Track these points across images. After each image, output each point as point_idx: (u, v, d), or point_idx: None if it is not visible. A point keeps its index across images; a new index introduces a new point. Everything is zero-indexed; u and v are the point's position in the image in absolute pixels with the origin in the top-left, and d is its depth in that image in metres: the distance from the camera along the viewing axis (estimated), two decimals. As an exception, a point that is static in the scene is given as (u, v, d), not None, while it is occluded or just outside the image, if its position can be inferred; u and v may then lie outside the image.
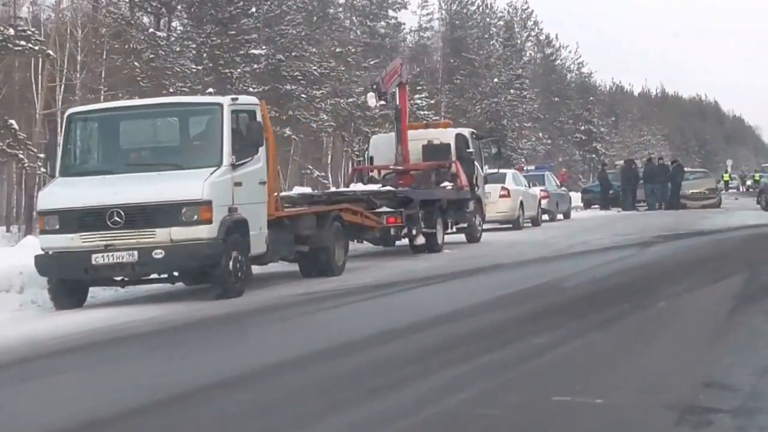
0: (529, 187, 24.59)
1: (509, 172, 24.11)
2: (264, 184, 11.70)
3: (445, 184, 17.83)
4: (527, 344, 7.17)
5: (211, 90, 32.03)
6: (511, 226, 23.13)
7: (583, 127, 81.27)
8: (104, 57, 33.17)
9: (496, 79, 54.83)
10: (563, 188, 29.45)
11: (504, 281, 11.99)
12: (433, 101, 48.06)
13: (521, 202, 23.15)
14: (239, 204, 11.10)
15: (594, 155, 79.68)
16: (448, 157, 18.57)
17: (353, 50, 40.00)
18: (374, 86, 17.67)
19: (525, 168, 29.57)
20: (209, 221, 10.70)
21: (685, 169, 36.41)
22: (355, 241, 16.52)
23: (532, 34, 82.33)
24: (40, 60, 29.61)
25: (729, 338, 7.30)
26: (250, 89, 33.18)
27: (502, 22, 75.60)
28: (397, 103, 18.68)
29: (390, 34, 56.50)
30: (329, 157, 41.71)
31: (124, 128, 11.70)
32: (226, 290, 11.04)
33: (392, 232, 15.81)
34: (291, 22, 35.32)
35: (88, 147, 11.69)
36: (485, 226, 23.84)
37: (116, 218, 10.70)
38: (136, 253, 10.71)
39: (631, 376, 5.97)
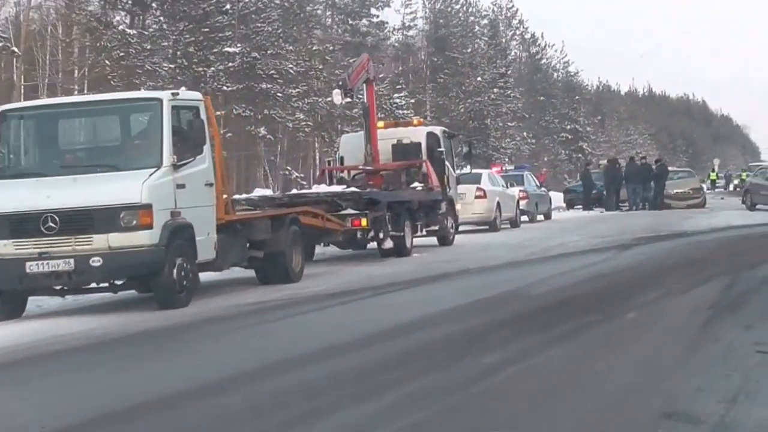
0: (507, 187, 23.89)
1: (485, 172, 23.43)
2: (211, 186, 10.96)
3: (415, 184, 17.13)
4: (476, 363, 6.46)
5: (184, 89, 31.33)
6: (487, 227, 22.45)
7: (568, 127, 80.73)
8: (76, 56, 32.47)
9: (479, 78, 54.13)
10: (543, 188, 28.78)
11: (468, 288, 11.27)
12: (413, 100, 47.33)
13: (498, 203, 22.47)
14: (183, 207, 10.36)
15: (580, 155, 79.08)
16: (419, 156, 17.88)
17: (332, 48, 39.21)
18: (340, 83, 16.93)
19: (504, 168, 28.88)
20: (149, 226, 9.96)
21: (669, 168, 35.80)
22: (322, 244, 15.84)
23: (517, 33, 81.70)
24: (19, 60, 29.02)
25: (699, 357, 6.60)
26: (224, 88, 32.48)
27: (486, 21, 75.05)
28: (365, 100, 17.97)
29: (372, 32, 55.80)
30: (312, 157, 40.90)
31: (60, 127, 10.94)
32: (170, 300, 10.31)
33: (359, 235, 15.09)
34: (267, 19, 34.54)
35: (23, 147, 10.92)
36: (462, 228, 23.24)
37: (50, 224, 9.95)
38: (72, 261, 9.97)
39: (582, 404, 5.26)
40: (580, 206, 33.60)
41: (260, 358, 7.25)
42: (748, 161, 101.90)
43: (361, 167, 17.61)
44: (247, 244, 11.89)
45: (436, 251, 17.23)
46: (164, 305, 10.31)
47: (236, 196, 14.87)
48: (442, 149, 18.18)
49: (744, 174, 47.12)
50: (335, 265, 15.02)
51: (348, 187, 16.92)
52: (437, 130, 18.88)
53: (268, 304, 10.55)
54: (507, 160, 54.24)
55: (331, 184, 17.80)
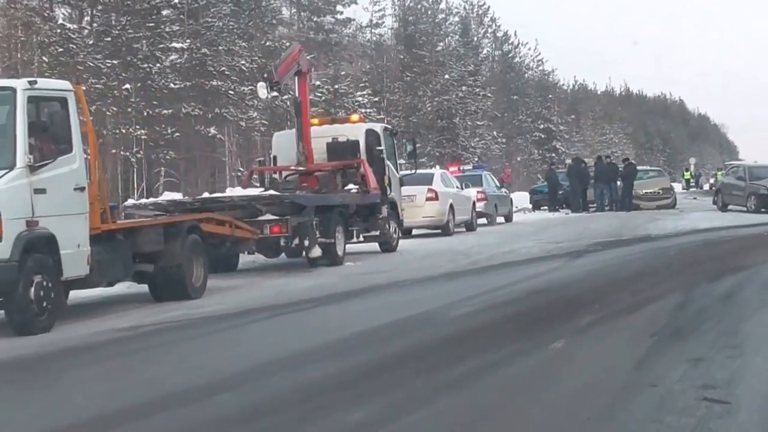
0: (462, 188, 22.39)
1: (438, 173, 21.92)
2: (82, 191, 9.38)
3: (350, 186, 15.60)
4: (335, 420, 4.95)
5: (127, 86, 29.72)
6: (440, 231, 20.97)
7: (542, 126, 79.43)
8: (16, 52, 30.77)
9: (447, 76, 52.62)
10: (504, 189, 27.28)
11: (381, 308, 9.77)
12: (377, 98, 45.81)
13: (451, 206, 20.96)
14: (43, 216, 8.80)
15: (554, 154, 77.75)
16: (357, 155, 16.36)
17: (288, 44, 37.52)
18: (265, 75, 15.37)
19: (462, 168, 27.40)
20: (-2, 238, 8.41)
21: (639, 167, 34.45)
22: (246, 252, 14.29)
23: (489, 31, 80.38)
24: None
25: (625, 412, 5.10)
26: (171, 85, 30.87)
27: (457, 18, 73.69)
28: (297, 94, 16.44)
29: (335, 29, 54.28)
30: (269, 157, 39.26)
31: None
32: (27, 324, 8.76)
33: (282, 242, 13.53)
34: (217, 14, 32.92)
35: None
36: (415, 232, 21.75)
37: None
38: None
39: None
40: (547, 207, 32.24)
41: (114, 401, 5.77)
42: (725, 160, 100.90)
43: (293, 168, 16.09)
44: (134, 257, 10.31)
45: (373, 259, 15.70)
46: (20, 330, 8.76)
47: (143, 200, 13.31)
48: (381, 147, 16.65)
49: (719, 173, 45.88)
50: (254, 276, 13.47)
51: (279, 189, 15.43)
52: (377, 126, 17.34)
53: (147, 328, 8.99)
54: (476, 159, 52.83)
55: (263, 186, 16.29)
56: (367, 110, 40.55)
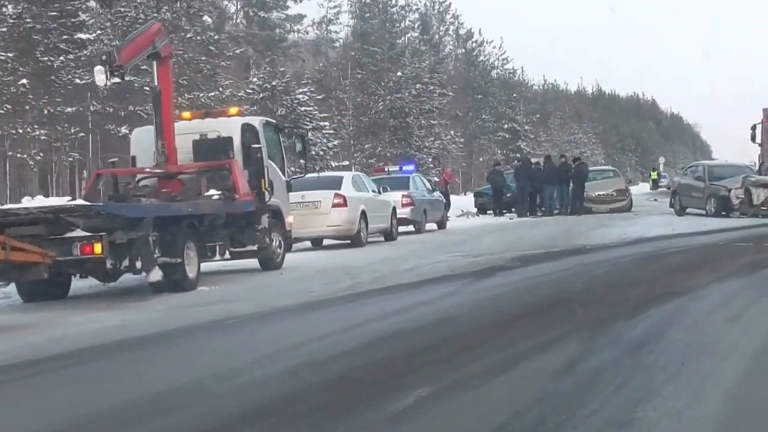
0: (380, 192, 19.69)
1: (347, 175, 19.20)
2: None
3: (211, 192, 12.85)
4: None
5: (24, 81, 26.85)
6: (350, 242, 18.30)
7: (506, 125, 77.03)
8: None
9: (399, 73, 49.94)
10: (437, 192, 24.49)
11: (169, 362, 7.07)
12: (321, 96, 43.11)
13: (363, 212, 18.28)
14: None
15: (518, 154, 75.32)
16: (229, 154, 13.63)
17: (216, 37, 34.75)
18: (104, 57, 12.59)
19: (387, 170, 24.60)
20: None
21: (592, 167, 32.00)
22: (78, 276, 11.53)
23: (452, 28, 77.88)
24: None
25: None
26: (77, 81, 28.02)
27: (417, 15, 71.22)
28: (156, 83, 13.67)
29: (282, 24, 51.56)
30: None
31: None
32: None
33: (108, 264, 10.74)
34: (131, 2, 30.09)
35: None
36: (326, 243, 19.10)
37: None
38: None
39: None
40: (494, 211, 29.66)
41: None
42: (698, 159, 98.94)
43: (148, 170, 13.34)
44: None
45: (241, 281, 12.96)
46: None
47: None
48: (260, 145, 13.91)
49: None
50: (64, 309, 10.66)
51: (130, 197, 12.70)
52: (256, 121, 14.54)
53: None
54: (431, 160, 50.26)
55: (116, 192, 13.54)
56: (307, 108, 37.86)
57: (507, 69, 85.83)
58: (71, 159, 27.31)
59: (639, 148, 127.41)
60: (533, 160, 29.54)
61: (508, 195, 29.21)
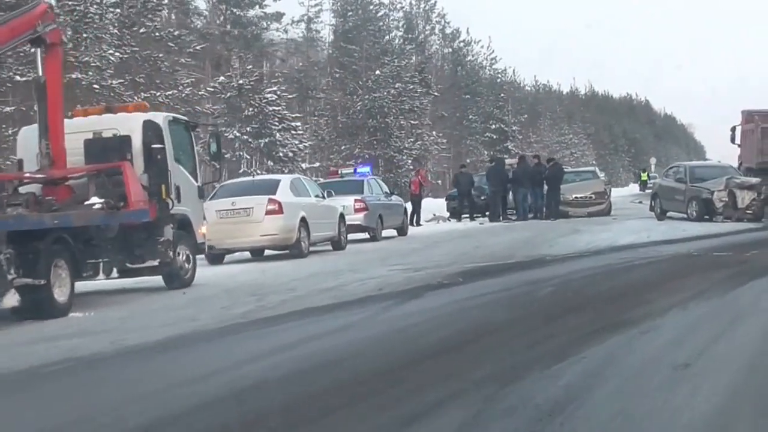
0: (324, 197, 17.87)
1: (285, 179, 17.33)
2: None
3: (93, 200, 11.03)
4: None
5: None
6: (288, 252, 16.50)
7: (494, 126, 75.18)
8: None
9: (378, 71, 48.05)
10: (395, 196, 22.60)
11: None
12: (293, 96, 41.28)
13: (304, 220, 16.45)
14: None
15: (506, 156, 73.56)
16: (126, 155, 11.82)
17: (176, 33, 32.85)
18: (-32, 41, 10.77)
19: (340, 173, 22.74)
20: None
21: (569, 169, 30.25)
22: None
23: (438, 27, 75.94)
24: None
25: None
26: (17, 78, 26.14)
27: (401, 14, 69.37)
28: (41, 73, 11.83)
29: (259, 23, 49.66)
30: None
31: None
32: None
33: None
34: (81, -3, 28.26)
35: None
36: (268, 254, 17.31)
37: None
38: None
39: None
40: (468, 215, 27.85)
41: None
42: (692, 160, 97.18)
43: (27, 175, 11.53)
44: None
45: (126, 304, 11.11)
46: None
47: None
48: (162, 146, 12.08)
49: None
50: None
51: (4, 207, 10.85)
52: (160, 117, 12.65)
53: None
54: (410, 162, 48.44)
55: (-2, 200, 11.70)
56: (276, 108, 36.04)
57: (496, 69, 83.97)
58: (9, 162, 25.41)
59: (632, 148, 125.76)
60: (507, 161, 27.71)
61: (482, 198, 27.40)
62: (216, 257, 16.25)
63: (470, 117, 74.34)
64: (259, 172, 29.37)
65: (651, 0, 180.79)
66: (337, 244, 17.90)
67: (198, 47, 33.10)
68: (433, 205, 31.12)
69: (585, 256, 14.43)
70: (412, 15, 70.81)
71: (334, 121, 47.03)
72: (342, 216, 18.14)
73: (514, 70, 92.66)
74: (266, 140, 35.12)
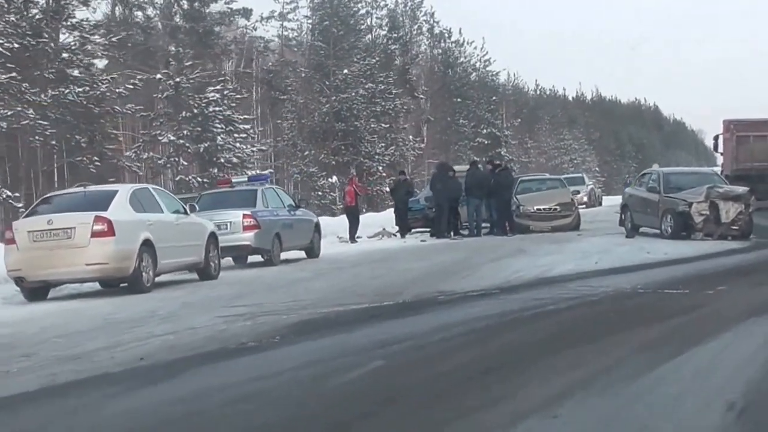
0: (188, 212, 14.16)
1: (123, 190, 13.43)
2: None
3: None
4: None
5: None
6: (127, 286, 12.84)
7: (485, 131, 71.41)
8: None
9: (345, 71, 44.31)
10: (302, 210, 18.78)
11: None
12: (241, 97, 37.65)
13: (147, 243, 12.75)
14: None
15: (499, 162, 69.68)
16: None
17: (93, 24, 29.15)
18: None
19: (232, 182, 18.86)
20: None
21: (533, 176, 26.60)
22: None
23: (425, 26, 72.08)
24: None
25: None
26: None
27: (384, 11, 65.66)
28: None
29: (220, 20, 45.99)
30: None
31: None
32: None
33: None
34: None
35: None
36: (82, 288, 13.69)
37: None
38: None
39: None
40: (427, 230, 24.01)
41: None
42: (702, 167, 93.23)
43: None
44: None
45: None
46: None
47: None
48: None
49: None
50: None
51: None
52: None
53: None
54: (380, 168, 44.74)
55: None
56: (217, 109, 32.39)
57: (490, 71, 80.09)
58: None
59: (639, 154, 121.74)
60: (457, 168, 24.02)
61: (432, 209, 23.64)
62: (35, 292, 12.63)
63: (460, 121, 70.64)
64: (113, 180, 25.62)
65: (664, 5, 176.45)
66: (205, 273, 14.21)
67: (114, 39, 29.29)
68: (384, 220, 27.26)
69: (491, 294, 10.77)
70: (397, 13, 67.16)
71: (298, 124, 43.38)
72: (214, 236, 14.45)
73: (515, 74, 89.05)
74: (206, 144, 31.47)
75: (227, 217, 15.84)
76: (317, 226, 18.39)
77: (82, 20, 27.66)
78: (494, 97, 73.85)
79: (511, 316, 9.01)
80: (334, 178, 41.44)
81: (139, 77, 30.32)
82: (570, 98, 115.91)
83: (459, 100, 70.76)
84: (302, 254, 18.18)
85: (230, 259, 17.06)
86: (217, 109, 31.73)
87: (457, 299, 10.53)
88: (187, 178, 31.05)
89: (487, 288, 11.34)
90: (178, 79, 31.34)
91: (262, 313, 9.95)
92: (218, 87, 33.14)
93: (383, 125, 45.04)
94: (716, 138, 26.89)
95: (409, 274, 13.79)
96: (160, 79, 31.62)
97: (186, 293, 12.86)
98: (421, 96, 64.58)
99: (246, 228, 15.92)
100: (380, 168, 44.36)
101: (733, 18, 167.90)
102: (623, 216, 20.83)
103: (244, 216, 15.99)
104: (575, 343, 7.40)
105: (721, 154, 26.06)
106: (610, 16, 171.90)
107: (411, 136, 50.61)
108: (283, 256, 17.57)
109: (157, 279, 13.36)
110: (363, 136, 44.50)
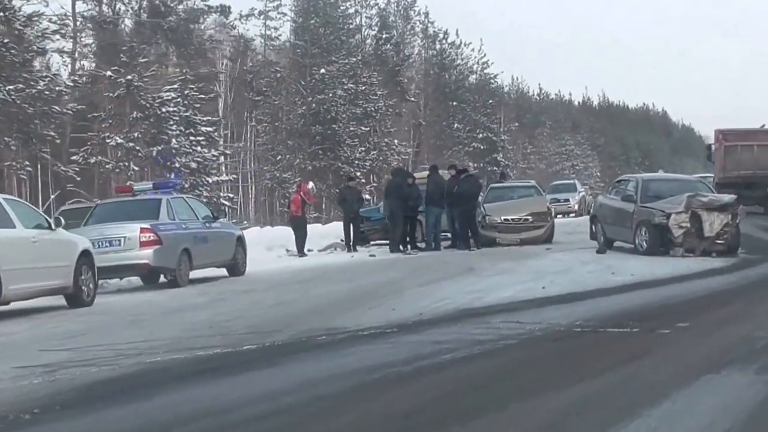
0: (52, 227, 11.79)
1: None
2: None
3: None
4: None
5: None
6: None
7: (481, 135, 68.94)
8: None
9: (323, 70, 41.90)
10: (220, 221, 16.39)
11: None
12: (207, 96, 35.28)
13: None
14: None
15: (495, 167, 67.22)
16: None
17: (25, 15, 26.68)
18: None
19: (134, 190, 16.25)
20: None
21: (507, 184, 24.20)
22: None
23: (419, 27, 69.67)
24: None
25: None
26: None
27: (374, 11, 63.35)
28: None
29: (192, 17, 43.71)
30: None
31: None
32: None
33: None
34: None
35: None
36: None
37: None
38: None
39: None
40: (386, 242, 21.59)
41: None
42: (709, 173, 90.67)
43: None
44: None
45: None
46: None
47: None
48: None
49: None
50: None
51: None
52: None
53: None
54: (358, 174, 42.32)
55: None
56: (170, 109, 30.06)
57: (487, 74, 77.54)
58: None
59: (646, 160, 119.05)
60: (417, 174, 21.62)
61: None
62: None
63: (455, 125, 68.25)
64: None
65: (671, 8, 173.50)
66: (75, 299, 11.84)
67: (56, 37, 27.02)
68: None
69: (384, 335, 8.44)
70: (388, 12, 64.81)
71: (273, 127, 41.04)
72: (87, 255, 12.08)
73: (518, 78, 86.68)
74: (159, 148, 29.14)
75: (121, 232, 13.51)
76: (240, 239, 15.97)
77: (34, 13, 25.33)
78: (491, 101, 71.39)
79: (380, 373, 6.65)
80: (311, 185, 39.07)
81: (82, 74, 27.98)
82: (576, 103, 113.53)
83: (455, 103, 68.39)
84: (224, 272, 15.79)
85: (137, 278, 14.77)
86: (171, 109, 29.36)
87: (338, 342, 8.19)
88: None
89: (388, 324, 8.97)
90: (129, 77, 29.00)
91: (77, 362, 7.64)
92: (175, 86, 30.74)
93: (362, 128, 42.59)
94: (709, 147, 27.99)
95: (317, 301, 11.46)
96: (110, 76, 29.31)
97: (32, 325, 10.51)
98: (413, 99, 62.32)
99: (144, 244, 13.56)
100: (358, 174, 41.94)
101: (744, 22, 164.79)
102: (593, 228, 18.39)
103: (142, 230, 13.64)
104: (443, 422, 5.07)
105: (714, 163, 26.72)
106: (621, 21, 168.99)
107: (396, 141, 48.10)
108: (199, 274, 15.23)
109: (6, 307, 11.03)
110: (343, 139, 42.14)
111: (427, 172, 21.14)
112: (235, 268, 15.67)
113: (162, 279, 14.39)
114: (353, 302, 11.12)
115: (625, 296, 11.01)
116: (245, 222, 32.00)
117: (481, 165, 65.93)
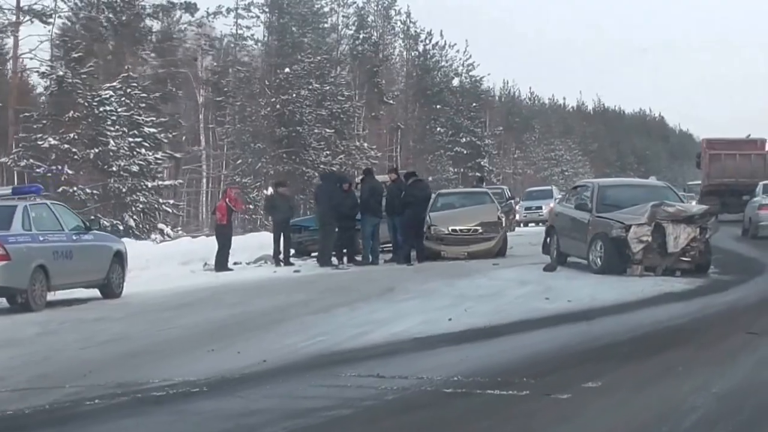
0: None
1: None
2: None
3: None
4: None
5: None
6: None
7: (464, 139, 66.59)
8: None
9: (288, 69, 39.57)
10: (93, 234, 13.81)
11: None
12: (162, 94, 32.96)
13: None
14: None
15: (478, 173, 64.76)
16: None
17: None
18: None
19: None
20: None
21: (455, 190, 21.88)
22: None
23: (399, 27, 67.23)
24: None
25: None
26: None
27: (352, 10, 60.93)
28: None
29: (155, 13, 41.36)
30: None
31: None
32: None
33: None
34: None
35: None
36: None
37: None
38: None
39: None
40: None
41: None
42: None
43: None
44: None
45: None
46: None
47: None
48: None
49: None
50: None
51: None
52: None
53: None
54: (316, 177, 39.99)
55: None
56: (107, 108, 27.75)
57: (473, 76, 75.13)
58: None
59: (642, 166, 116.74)
60: (357, 179, 19.25)
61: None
62: None
63: (438, 129, 65.95)
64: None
65: (670, 17, 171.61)
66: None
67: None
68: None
69: (184, 395, 6.15)
70: (366, 12, 62.49)
71: (236, 130, 38.75)
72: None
73: (509, 81, 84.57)
74: (97, 150, 26.85)
75: None
76: (119, 254, 13.56)
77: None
78: (475, 104, 69.08)
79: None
80: (270, 190, 36.86)
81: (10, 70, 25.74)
82: (570, 108, 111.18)
83: (438, 106, 66.09)
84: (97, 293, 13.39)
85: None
86: (108, 108, 27.07)
87: (102, 409, 5.92)
88: (72, 190, 26.43)
89: (205, 379, 6.73)
90: (61, 73, 26.70)
91: None
92: (116, 84, 28.43)
93: (327, 131, 40.23)
94: (698, 156, 29.00)
95: (162, 338, 9.15)
96: (44, 73, 27.05)
97: None
98: (391, 101, 60.05)
99: (-4, 263, 11.21)
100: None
101: (740, 27, 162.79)
102: (548, 239, 16.07)
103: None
104: None
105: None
106: (615, 24, 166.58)
107: (366, 144, 45.77)
108: (66, 295, 12.89)
109: None
110: (308, 142, 39.81)
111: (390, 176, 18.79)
112: (109, 288, 13.20)
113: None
114: (204, 340, 8.79)
115: (544, 333, 8.73)
116: (179, 230, 29.66)
117: (462, 170, 63.78)
